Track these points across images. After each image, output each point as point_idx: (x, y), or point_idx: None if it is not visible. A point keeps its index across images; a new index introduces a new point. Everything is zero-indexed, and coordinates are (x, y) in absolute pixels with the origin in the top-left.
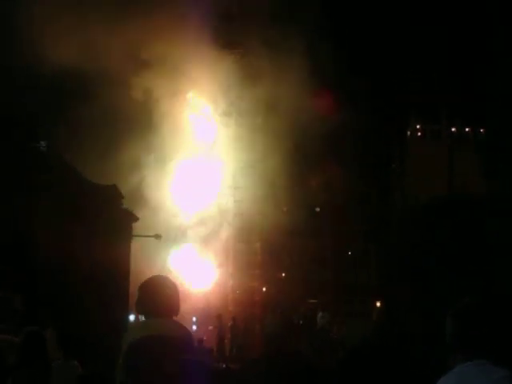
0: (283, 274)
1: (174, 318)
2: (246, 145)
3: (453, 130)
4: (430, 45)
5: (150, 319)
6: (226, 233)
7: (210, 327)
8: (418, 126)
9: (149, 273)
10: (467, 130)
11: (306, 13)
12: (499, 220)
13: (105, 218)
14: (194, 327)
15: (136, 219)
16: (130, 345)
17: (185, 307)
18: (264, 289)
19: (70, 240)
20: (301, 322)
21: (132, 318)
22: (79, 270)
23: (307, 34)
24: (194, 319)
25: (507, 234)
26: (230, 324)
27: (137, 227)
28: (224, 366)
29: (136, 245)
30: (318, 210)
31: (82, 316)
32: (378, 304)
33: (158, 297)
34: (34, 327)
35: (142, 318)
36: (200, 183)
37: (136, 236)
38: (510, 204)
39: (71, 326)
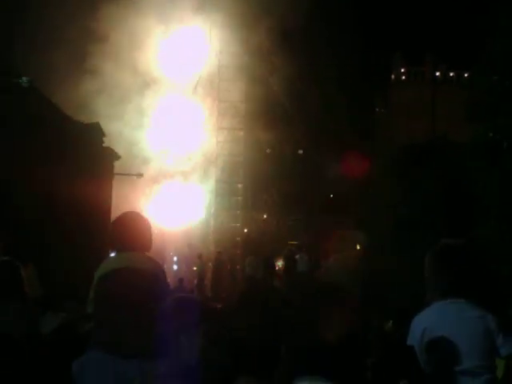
0: (265, 216)
1: (147, 253)
2: (229, 85)
3: (437, 74)
4: None
5: (120, 253)
6: (208, 173)
7: (194, 268)
8: (402, 70)
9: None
10: (452, 74)
11: None
12: (480, 164)
13: (87, 155)
14: (175, 267)
15: (118, 157)
16: (100, 277)
17: (166, 246)
18: (245, 230)
19: (52, 178)
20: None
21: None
22: (61, 207)
23: None
24: (175, 259)
25: (489, 179)
26: (211, 263)
27: (118, 165)
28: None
29: (118, 183)
30: (300, 152)
31: (64, 253)
32: (358, 248)
33: (129, 232)
34: (5, 258)
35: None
36: (183, 122)
37: (117, 174)
38: (493, 149)
39: (53, 263)
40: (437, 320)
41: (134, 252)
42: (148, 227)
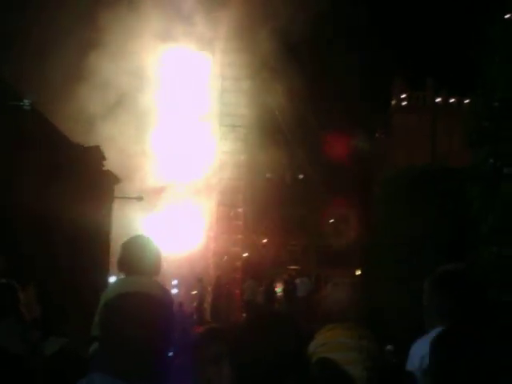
0: (265, 240)
1: (155, 278)
2: (231, 109)
3: (438, 99)
4: (417, 14)
5: (128, 277)
6: (209, 197)
7: (194, 292)
8: (403, 95)
9: (130, 234)
10: (452, 100)
11: None
12: (480, 190)
13: (87, 179)
14: (175, 290)
15: (118, 181)
16: (107, 301)
17: (166, 270)
18: (245, 254)
19: (52, 201)
20: (280, 289)
21: (112, 279)
22: (61, 231)
23: None
24: (175, 282)
25: (489, 204)
26: (210, 287)
27: (119, 189)
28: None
29: (118, 207)
30: (301, 177)
31: (63, 276)
32: (358, 272)
33: (139, 255)
34: (3, 279)
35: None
36: (184, 146)
37: (118, 198)
38: (493, 175)
39: (51, 286)
40: None
41: (142, 276)
42: (157, 252)
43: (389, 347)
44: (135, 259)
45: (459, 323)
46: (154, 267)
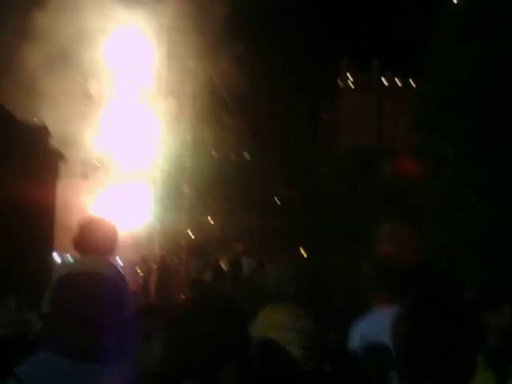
0: (209, 219)
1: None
2: (175, 88)
3: (384, 80)
4: None
5: (82, 257)
6: (154, 177)
7: (139, 270)
8: (349, 75)
9: (75, 213)
10: (398, 81)
11: None
12: (427, 171)
13: (31, 157)
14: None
15: (63, 158)
16: (58, 279)
17: None
18: (190, 233)
19: None
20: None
21: (57, 258)
22: (3, 209)
23: None
24: (120, 261)
25: (435, 187)
26: (155, 266)
27: (66, 171)
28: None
29: (64, 186)
30: (247, 156)
31: (5, 255)
32: (303, 252)
33: (93, 235)
34: None
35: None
36: (129, 125)
37: (62, 176)
38: (437, 158)
39: None
40: (374, 326)
41: (96, 256)
42: (113, 232)
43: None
44: (89, 239)
45: (412, 300)
46: (108, 247)
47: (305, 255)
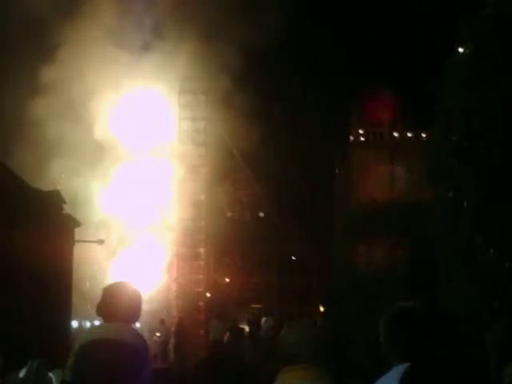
0: (227, 280)
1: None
2: (190, 150)
3: (395, 134)
4: (374, 48)
5: (105, 323)
6: (169, 238)
7: (158, 333)
8: (360, 131)
9: (92, 278)
10: (410, 134)
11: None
12: (442, 224)
13: (47, 223)
14: None
15: (78, 224)
16: (80, 346)
17: None
18: (208, 294)
19: (11, 247)
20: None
21: (75, 323)
22: (21, 276)
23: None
24: (138, 325)
25: (451, 240)
26: (174, 329)
27: (79, 232)
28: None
29: (79, 250)
30: (262, 215)
31: (23, 321)
32: (322, 309)
33: (116, 302)
34: None
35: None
36: (143, 187)
37: (78, 241)
38: (452, 209)
39: (13, 332)
40: None
41: (119, 323)
42: (137, 299)
43: None
44: (112, 305)
45: (416, 360)
46: (131, 314)
47: (323, 312)
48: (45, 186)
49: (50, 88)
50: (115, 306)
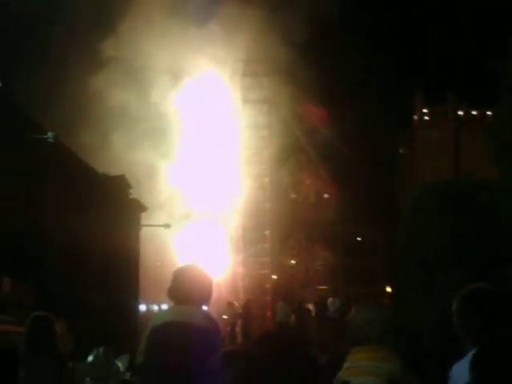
0: (293, 261)
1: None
2: (253, 132)
3: (460, 112)
4: (436, 27)
5: (176, 306)
6: (235, 220)
7: (224, 316)
8: (424, 110)
9: (160, 262)
10: (474, 112)
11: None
12: (509, 202)
13: (113, 208)
14: None
15: (144, 209)
16: (152, 329)
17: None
18: (274, 276)
19: (80, 231)
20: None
21: (143, 307)
22: (89, 260)
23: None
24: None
25: None
26: (240, 311)
27: (145, 215)
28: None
29: (145, 232)
30: (326, 196)
31: (93, 304)
32: (388, 289)
33: (187, 285)
34: (40, 312)
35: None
36: (208, 172)
37: (145, 225)
38: None
39: (82, 316)
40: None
41: (190, 306)
42: (208, 282)
43: None
44: (183, 288)
45: (491, 342)
46: (203, 297)
47: (390, 292)
48: (108, 165)
49: (113, 61)
50: (186, 289)
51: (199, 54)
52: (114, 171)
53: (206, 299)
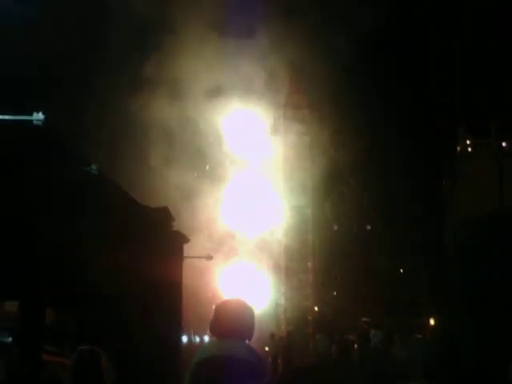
0: (335, 293)
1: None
2: (294, 164)
3: (503, 144)
4: (477, 59)
5: (219, 340)
6: (277, 252)
7: (266, 348)
8: (467, 141)
9: (202, 293)
10: None
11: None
12: None
13: (156, 240)
14: None
15: (187, 241)
16: (196, 363)
17: None
18: (316, 308)
19: (123, 263)
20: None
21: (185, 338)
22: (131, 292)
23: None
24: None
25: None
26: (282, 343)
27: (188, 247)
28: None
29: (188, 264)
30: (368, 227)
31: (136, 336)
32: (432, 322)
33: (230, 320)
34: (86, 346)
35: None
36: (250, 202)
37: (188, 257)
38: None
39: (125, 347)
40: None
41: (234, 340)
42: (251, 316)
43: None
44: (225, 324)
45: None
46: (245, 332)
47: (434, 325)
48: (152, 198)
49: (154, 85)
50: (228, 324)
51: (242, 83)
52: (155, 200)
53: (249, 334)
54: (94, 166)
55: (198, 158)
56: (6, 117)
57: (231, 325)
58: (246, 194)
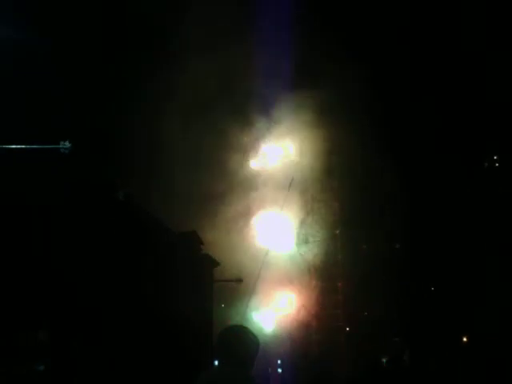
0: (365, 313)
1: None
2: (321, 184)
3: None
4: (503, 72)
5: (218, 367)
6: (307, 273)
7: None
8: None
9: (231, 317)
10: None
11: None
12: None
13: (186, 265)
14: (280, 370)
15: (217, 264)
16: None
17: (270, 350)
18: (347, 328)
19: (153, 290)
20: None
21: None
22: (165, 317)
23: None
24: (279, 362)
25: None
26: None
27: (217, 271)
28: None
29: (217, 287)
30: (397, 246)
31: (168, 360)
32: (465, 339)
33: (231, 346)
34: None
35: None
36: (277, 223)
37: (217, 281)
38: None
39: (158, 373)
40: None
41: (232, 368)
42: (252, 343)
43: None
44: (227, 350)
45: None
46: (247, 359)
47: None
48: (181, 226)
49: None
50: (228, 351)
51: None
52: (183, 225)
53: (249, 360)
54: (121, 193)
55: (224, 181)
56: (33, 146)
57: (229, 351)
58: (273, 216)
